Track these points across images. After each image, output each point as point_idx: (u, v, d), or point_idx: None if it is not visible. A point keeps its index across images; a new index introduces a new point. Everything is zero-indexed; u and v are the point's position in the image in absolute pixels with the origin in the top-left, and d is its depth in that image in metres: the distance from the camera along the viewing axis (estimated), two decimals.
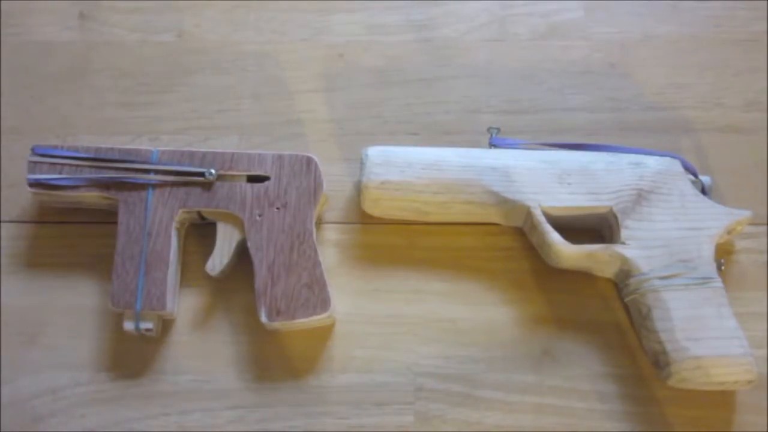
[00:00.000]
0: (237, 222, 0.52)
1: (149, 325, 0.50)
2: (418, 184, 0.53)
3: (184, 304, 0.54)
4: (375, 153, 0.54)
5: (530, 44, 0.63)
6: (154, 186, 0.52)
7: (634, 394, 0.52)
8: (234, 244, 0.52)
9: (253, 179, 0.53)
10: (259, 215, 0.52)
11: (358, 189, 0.56)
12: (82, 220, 0.56)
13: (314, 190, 0.52)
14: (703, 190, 0.54)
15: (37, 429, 0.51)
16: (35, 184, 0.53)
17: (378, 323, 0.54)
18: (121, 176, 0.52)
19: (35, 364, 0.52)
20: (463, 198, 0.53)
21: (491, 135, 0.57)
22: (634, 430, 0.51)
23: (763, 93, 0.61)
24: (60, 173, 0.52)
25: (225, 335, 0.53)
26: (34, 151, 0.53)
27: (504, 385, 0.52)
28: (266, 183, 0.52)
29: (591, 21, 0.64)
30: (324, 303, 0.50)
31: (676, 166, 0.54)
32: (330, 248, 0.56)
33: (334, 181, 0.57)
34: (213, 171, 0.52)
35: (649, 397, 0.51)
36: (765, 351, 0.52)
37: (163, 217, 0.52)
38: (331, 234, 0.56)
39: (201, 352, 0.53)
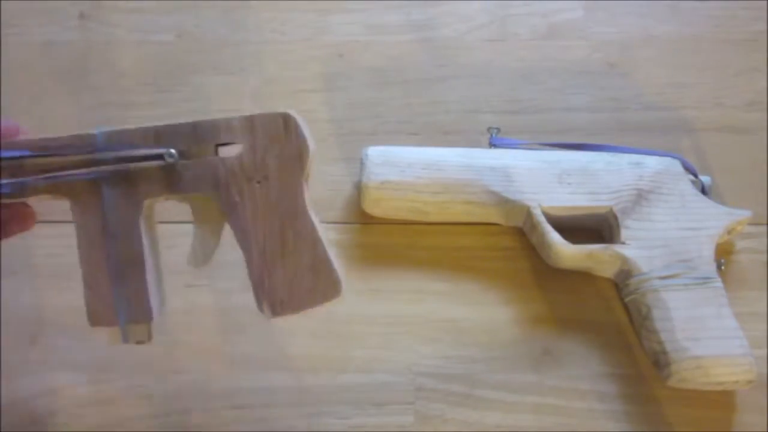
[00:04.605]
0: (213, 204, 0.44)
1: (140, 337, 0.44)
2: (418, 184, 0.53)
3: (183, 304, 0.54)
4: (375, 153, 0.54)
5: (530, 44, 0.63)
6: (106, 179, 0.43)
7: (634, 394, 0.52)
8: (215, 231, 0.45)
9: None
10: (238, 194, 0.43)
11: (358, 189, 0.56)
12: None
13: (298, 153, 0.43)
14: (703, 190, 0.54)
15: (37, 429, 0.51)
16: None
17: (378, 323, 0.54)
18: (61, 174, 0.42)
19: (35, 364, 0.52)
20: (463, 198, 0.53)
21: (491, 135, 0.57)
22: (634, 430, 0.51)
23: (763, 93, 0.61)
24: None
25: (225, 335, 0.53)
26: None
27: (504, 385, 0.52)
28: (239, 154, 0.43)
29: (591, 21, 0.64)
30: (334, 286, 0.43)
31: (676, 166, 0.54)
32: (330, 248, 0.56)
33: (334, 181, 0.57)
34: (173, 151, 0.42)
35: (649, 397, 0.51)
36: (765, 351, 0.52)
37: (125, 213, 0.43)
38: (331, 234, 0.56)
39: (201, 352, 0.53)
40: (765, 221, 0.56)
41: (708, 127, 0.60)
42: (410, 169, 0.53)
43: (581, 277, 0.54)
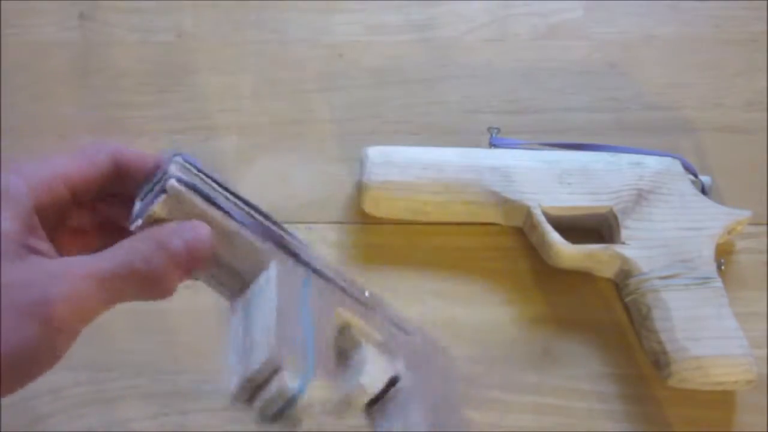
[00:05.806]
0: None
1: None
2: (418, 184, 0.53)
3: (183, 304, 0.54)
4: (375, 153, 0.54)
5: (530, 44, 0.63)
6: (314, 271, 0.39)
7: (634, 394, 0.51)
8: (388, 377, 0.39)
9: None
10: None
11: (358, 189, 0.56)
12: None
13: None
14: (703, 190, 0.54)
15: (37, 429, 0.51)
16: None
17: None
18: (285, 236, 0.38)
19: None
20: (463, 198, 0.53)
21: (491, 135, 0.57)
22: (634, 430, 0.51)
23: (763, 93, 0.61)
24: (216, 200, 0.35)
25: (225, 334, 0.53)
26: None
27: (504, 385, 0.52)
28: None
29: (591, 21, 0.64)
30: None
31: (676, 166, 0.54)
32: (330, 248, 0.56)
33: (334, 181, 0.57)
34: (368, 294, 0.41)
35: (649, 397, 0.51)
36: (765, 351, 0.52)
37: (323, 309, 0.38)
38: (331, 234, 0.56)
39: (201, 352, 0.53)
40: (765, 221, 0.56)
41: (708, 127, 0.60)
42: (410, 169, 0.53)
43: (581, 277, 0.54)
